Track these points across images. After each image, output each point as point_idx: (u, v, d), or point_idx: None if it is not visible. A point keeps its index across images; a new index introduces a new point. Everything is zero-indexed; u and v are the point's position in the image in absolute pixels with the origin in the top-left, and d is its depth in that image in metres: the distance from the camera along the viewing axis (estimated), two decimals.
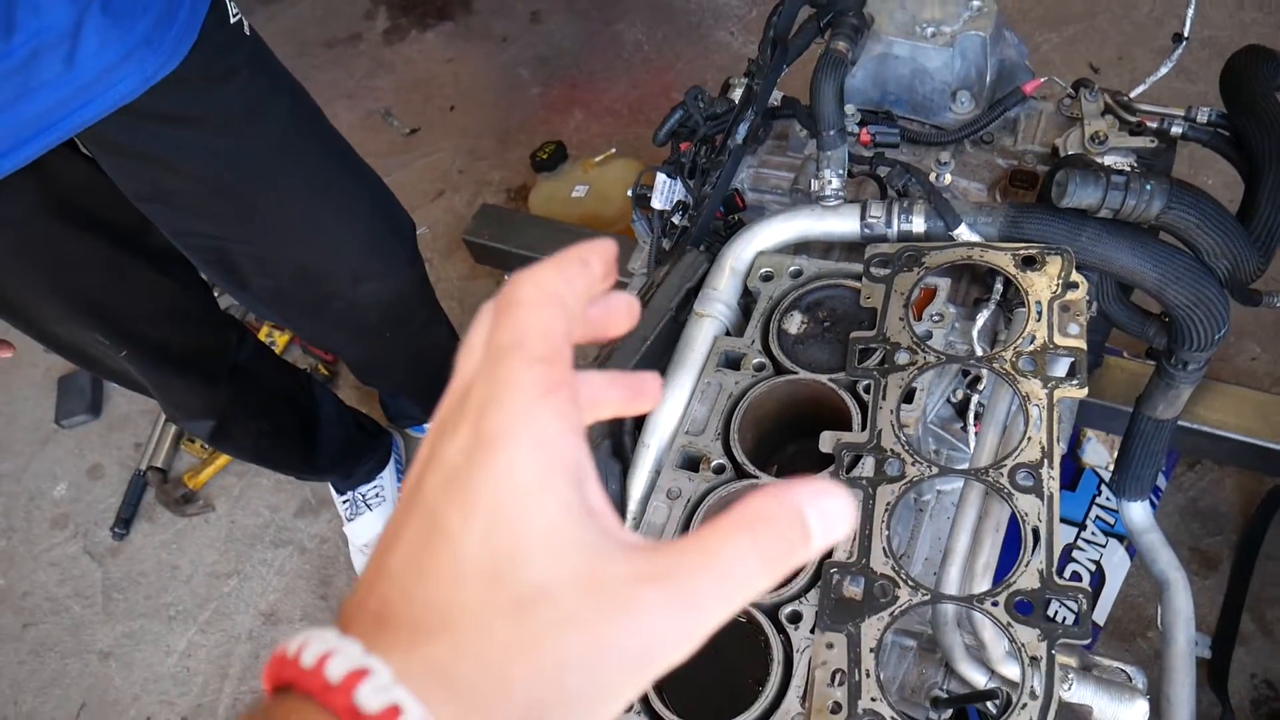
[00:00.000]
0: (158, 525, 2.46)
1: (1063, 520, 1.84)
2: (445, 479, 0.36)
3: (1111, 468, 1.83)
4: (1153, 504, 1.62)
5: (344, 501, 2.19)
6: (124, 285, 1.44)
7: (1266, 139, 1.22)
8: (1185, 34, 1.65)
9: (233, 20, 1.28)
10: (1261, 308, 1.36)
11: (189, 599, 2.34)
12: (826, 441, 1.03)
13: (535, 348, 0.37)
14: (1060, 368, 1.04)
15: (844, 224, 1.22)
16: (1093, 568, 1.78)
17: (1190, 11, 1.61)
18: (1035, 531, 0.92)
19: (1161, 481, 1.87)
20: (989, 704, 0.99)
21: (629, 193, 1.53)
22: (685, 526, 1.04)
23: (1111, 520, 1.81)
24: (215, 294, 1.70)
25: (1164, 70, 1.65)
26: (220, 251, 1.45)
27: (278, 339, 2.59)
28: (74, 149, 1.29)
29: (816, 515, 0.36)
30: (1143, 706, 1.04)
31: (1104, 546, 1.79)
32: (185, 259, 1.51)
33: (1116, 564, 1.78)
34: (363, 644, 0.32)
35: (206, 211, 1.38)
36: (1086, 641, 0.88)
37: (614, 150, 2.58)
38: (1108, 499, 1.82)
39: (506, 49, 3.25)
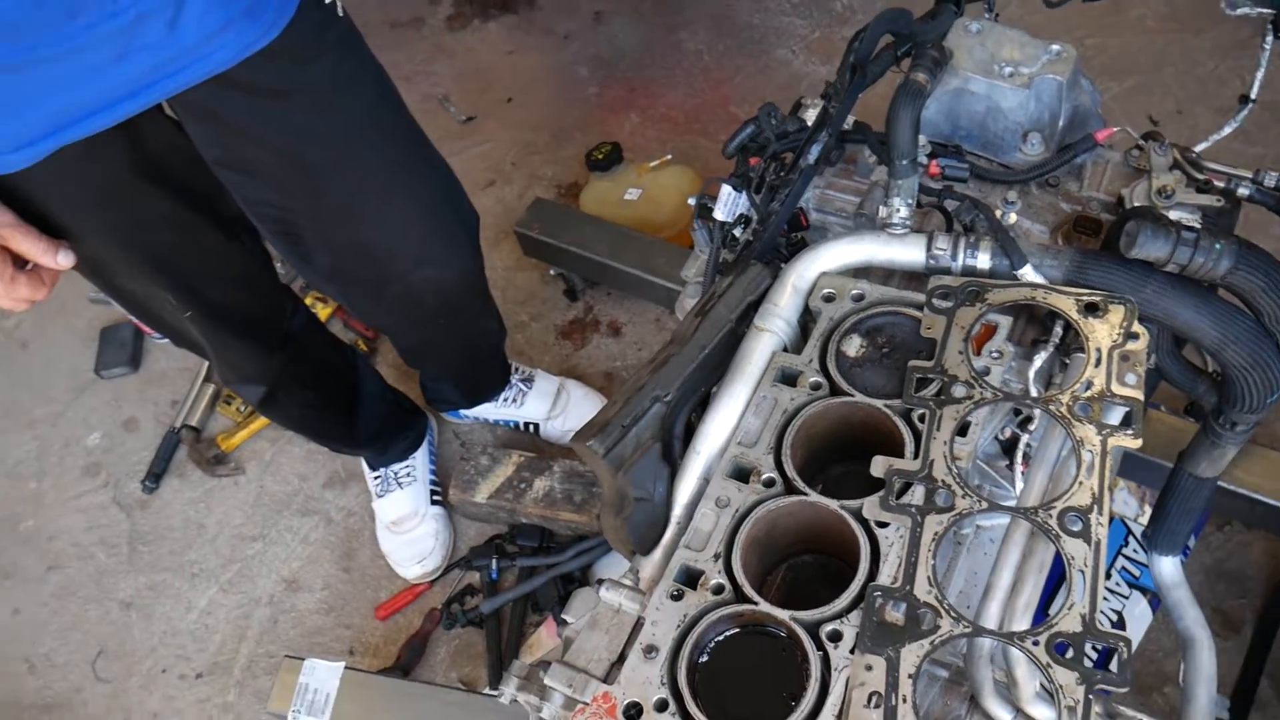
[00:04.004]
0: (188, 483, 2.50)
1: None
2: None
3: (1141, 519, 1.84)
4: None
5: (375, 478, 2.22)
6: (195, 247, 1.47)
7: None
8: (1253, 96, 1.66)
9: (328, 1, 1.31)
10: None
11: (213, 558, 2.37)
12: (879, 466, 1.05)
13: None
14: (1115, 416, 1.05)
15: (909, 253, 1.24)
16: (1114, 617, 1.78)
17: (1259, 75, 1.62)
18: (1081, 575, 0.94)
19: (1190, 540, 1.87)
20: None
21: (691, 201, 1.55)
22: (731, 536, 1.06)
23: (1137, 572, 1.82)
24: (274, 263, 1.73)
25: (1227, 130, 1.65)
26: (288, 224, 1.48)
27: (320, 311, 2.62)
28: (161, 112, 1.32)
29: None
30: None
31: (1127, 598, 1.80)
32: (253, 228, 1.54)
33: (1138, 616, 1.79)
34: None
35: (281, 184, 1.41)
36: (1125, 689, 0.90)
37: (669, 156, 2.61)
38: (1135, 550, 1.83)
39: (567, 46, 3.28)
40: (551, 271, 2.58)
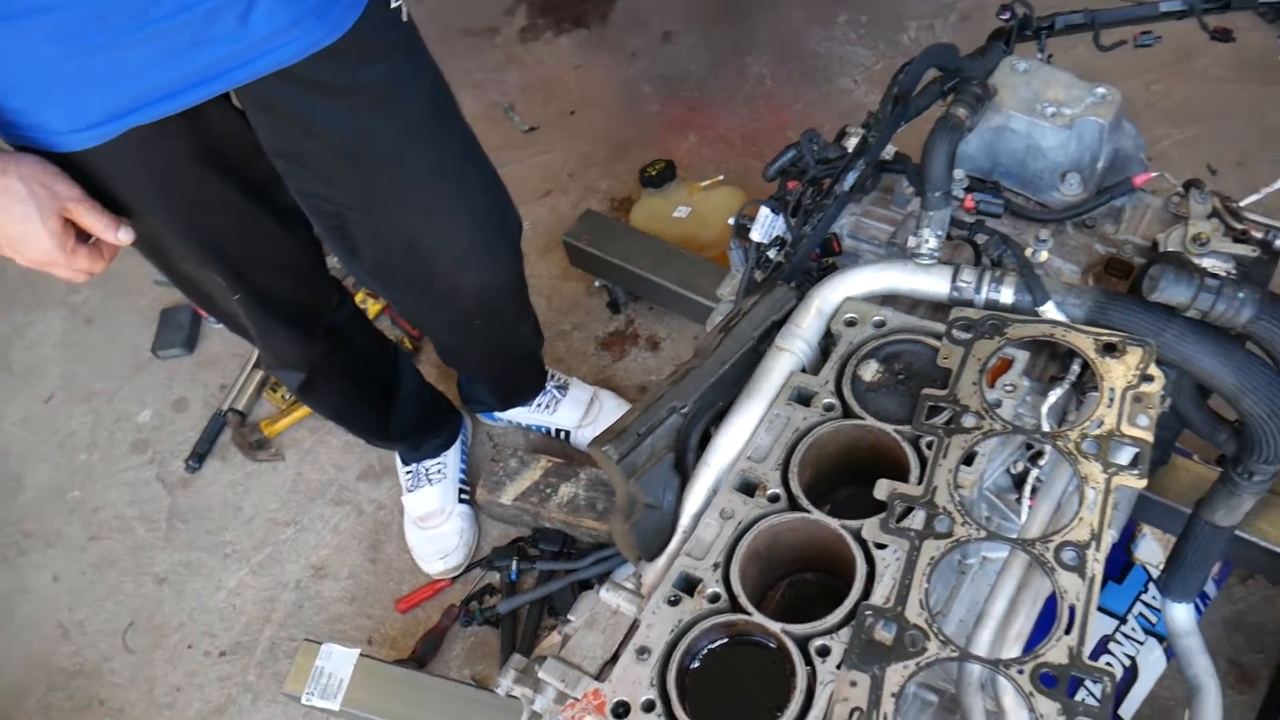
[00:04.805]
0: (229, 465, 2.58)
1: (1106, 611, 1.84)
2: None
3: (1163, 566, 1.82)
4: (1199, 609, 1.61)
5: (407, 473, 2.27)
6: (249, 233, 1.53)
7: None
8: None
9: (394, 4, 1.37)
10: None
11: (246, 540, 2.44)
12: (882, 489, 1.06)
13: None
14: (1124, 456, 1.05)
15: (934, 283, 1.25)
16: (1127, 662, 1.77)
17: None
18: (1071, 609, 0.94)
19: (1212, 589, 1.85)
20: None
21: (730, 221, 1.58)
22: (731, 547, 1.08)
23: (1154, 619, 1.80)
24: (325, 255, 1.79)
25: (1279, 185, 1.65)
26: (339, 217, 1.53)
27: (370, 307, 2.69)
28: (227, 100, 1.38)
29: None
30: None
31: (1142, 644, 1.78)
32: (306, 219, 1.60)
33: (1153, 663, 1.77)
34: None
35: (335, 178, 1.46)
36: None
37: (721, 177, 2.64)
38: (1154, 597, 1.81)
39: (634, 63, 3.33)
40: (596, 283, 2.62)
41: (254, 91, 1.32)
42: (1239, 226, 1.35)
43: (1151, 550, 1.88)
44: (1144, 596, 1.83)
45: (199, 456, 2.56)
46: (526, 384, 2.25)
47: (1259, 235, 1.34)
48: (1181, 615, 1.45)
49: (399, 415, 2.08)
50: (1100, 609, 1.82)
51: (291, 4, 1.23)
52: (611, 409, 2.31)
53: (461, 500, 2.26)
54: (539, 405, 2.29)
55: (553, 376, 2.32)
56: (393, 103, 1.43)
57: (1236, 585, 1.89)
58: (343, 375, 1.90)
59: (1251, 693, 1.77)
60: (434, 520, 2.22)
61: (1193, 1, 1.46)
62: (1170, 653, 1.77)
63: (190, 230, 1.45)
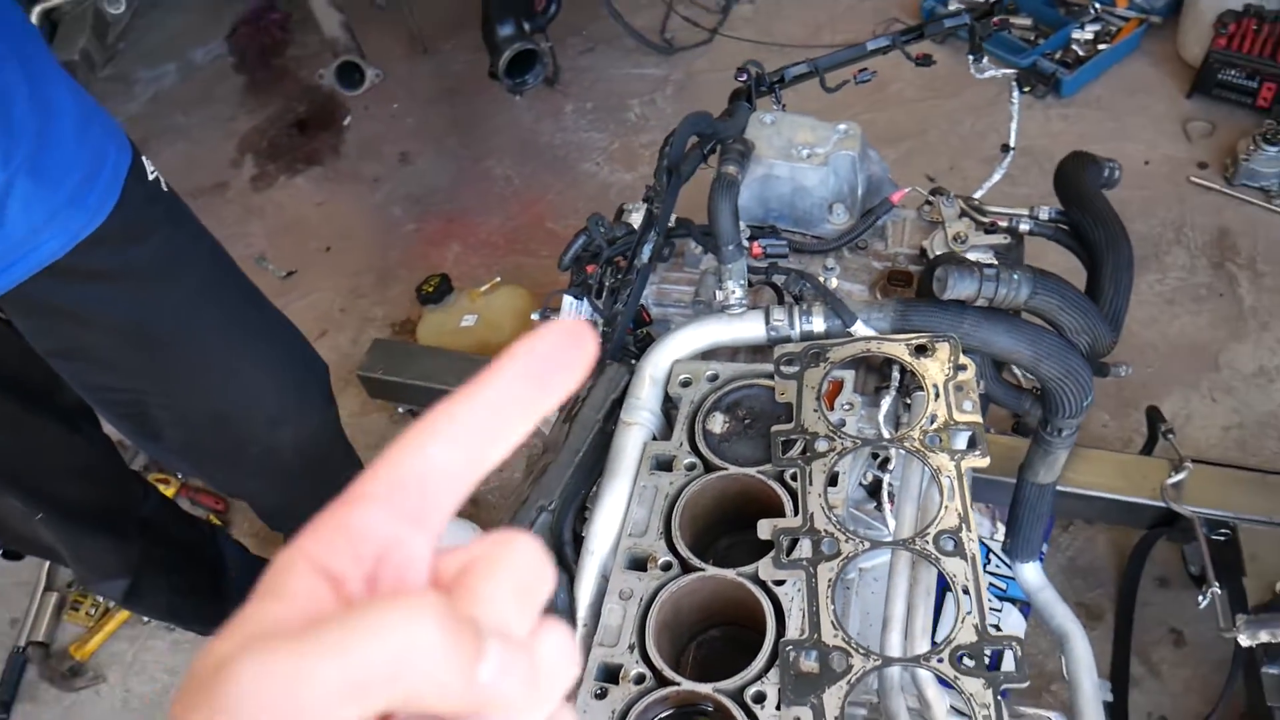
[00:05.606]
0: (42, 705, 2.31)
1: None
2: None
3: (997, 535, 1.97)
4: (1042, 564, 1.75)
5: None
6: (37, 445, 1.41)
7: (1102, 231, 1.40)
8: (1012, 144, 1.88)
9: (150, 177, 1.32)
10: (1109, 378, 1.54)
11: None
12: (764, 529, 1.11)
13: None
14: (961, 441, 1.15)
15: (750, 329, 1.33)
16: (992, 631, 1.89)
17: (1014, 126, 1.84)
18: (965, 589, 1.01)
19: (1043, 545, 2.01)
20: None
21: (534, 317, 1.61)
22: (641, 625, 1.09)
23: (1003, 585, 1.94)
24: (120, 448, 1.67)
25: (997, 176, 1.86)
26: (134, 405, 1.45)
27: (164, 489, 2.51)
28: None
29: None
30: None
31: (1000, 611, 1.91)
32: (92, 415, 1.50)
33: (1013, 626, 1.90)
34: None
35: (122, 364, 1.38)
36: (1026, 684, 0.97)
37: (498, 279, 2.67)
38: (997, 565, 1.96)
39: (378, 189, 3.33)
40: (400, 409, 2.57)
41: (18, 295, 1.24)
42: (986, 220, 1.52)
43: (980, 523, 2.02)
44: (988, 568, 1.97)
45: (4, 705, 2.29)
46: None
47: (1005, 224, 1.52)
48: (1032, 573, 1.58)
49: (236, 596, 1.95)
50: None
51: (46, 198, 1.17)
52: (452, 531, 2.22)
53: None
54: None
55: None
56: (170, 276, 1.37)
57: (1061, 535, 2.08)
58: (169, 569, 1.77)
59: (1101, 625, 1.94)
60: None
61: (894, 37, 1.64)
62: (1026, 611, 1.91)
63: None
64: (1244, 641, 1.36)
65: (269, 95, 3.77)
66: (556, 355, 0.35)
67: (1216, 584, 1.51)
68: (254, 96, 3.79)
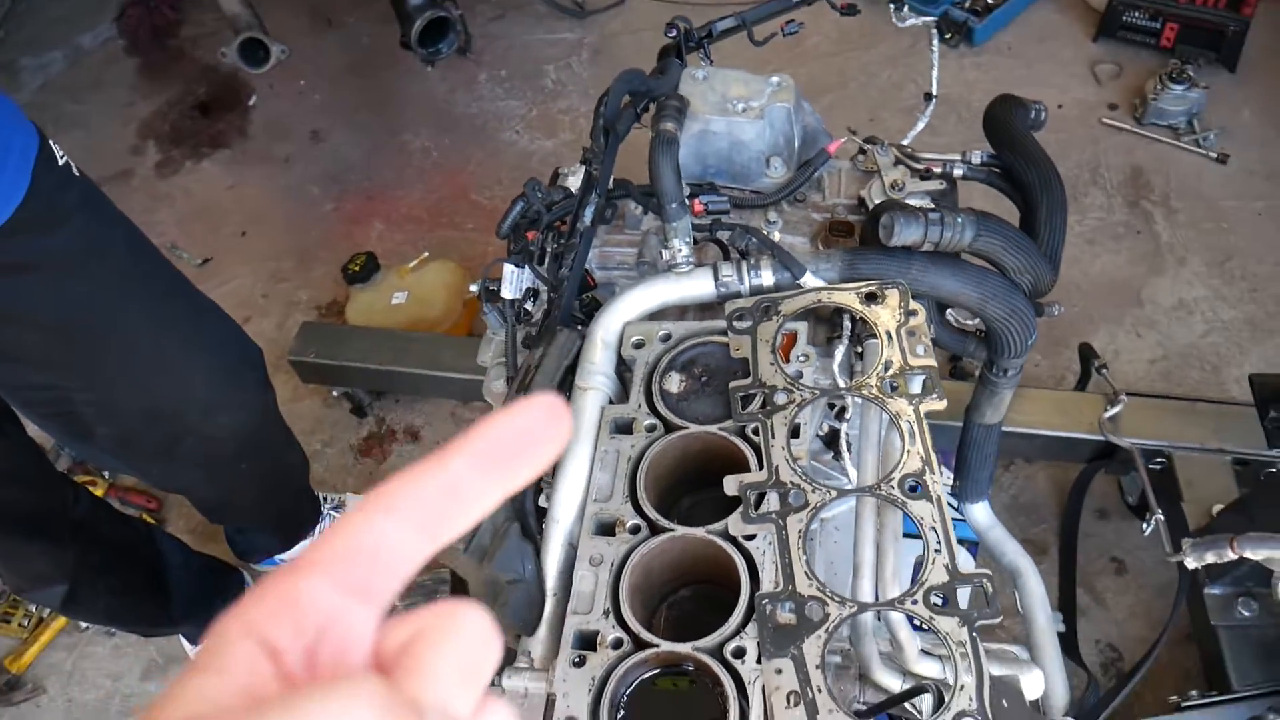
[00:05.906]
0: None
1: (909, 535, 2.00)
2: None
3: (945, 481, 2.01)
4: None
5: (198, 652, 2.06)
6: None
7: (1035, 172, 1.42)
8: (934, 93, 1.89)
9: (60, 162, 1.25)
10: (1043, 318, 1.57)
11: None
12: (731, 485, 1.10)
13: None
14: (917, 385, 1.16)
15: (699, 286, 1.32)
16: None
17: (934, 74, 1.85)
18: (934, 531, 1.02)
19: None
20: (916, 700, 1.08)
21: (473, 288, 1.57)
22: (615, 589, 1.08)
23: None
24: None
25: (921, 124, 1.88)
26: (62, 403, 1.38)
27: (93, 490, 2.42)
28: None
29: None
30: (1039, 675, 1.16)
31: None
32: (14, 417, 1.43)
33: (964, 566, 1.94)
34: None
35: (47, 361, 1.32)
36: (999, 620, 0.99)
37: (426, 254, 2.62)
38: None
39: (291, 169, 3.23)
40: (334, 393, 2.51)
41: None
42: (920, 167, 1.52)
43: None
44: None
45: None
46: (305, 515, 2.12)
47: (938, 170, 1.53)
48: (981, 513, 1.61)
49: (176, 594, 1.89)
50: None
51: None
52: None
53: None
54: (321, 533, 2.16)
55: (326, 500, 2.20)
56: (89, 264, 1.31)
57: (1002, 475, 2.12)
58: (106, 571, 1.70)
59: (1047, 559, 1.99)
60: None
61: None
62: (975, 551, 1.95)
63: None
64: (1190, 564, 1.41)
65: (166, 78, 3.62)
66: (527, 436, 0.35)
67: (1160, 511, 1.56)
68: (150, 80, 3.64)
